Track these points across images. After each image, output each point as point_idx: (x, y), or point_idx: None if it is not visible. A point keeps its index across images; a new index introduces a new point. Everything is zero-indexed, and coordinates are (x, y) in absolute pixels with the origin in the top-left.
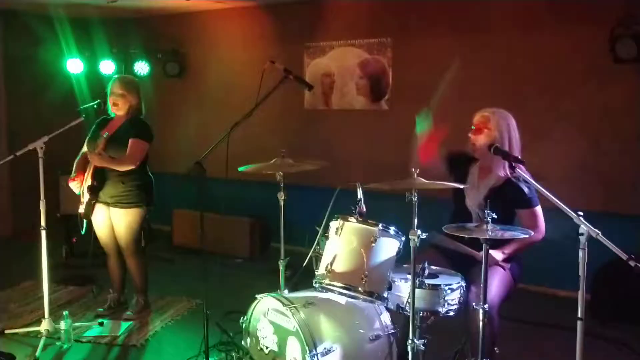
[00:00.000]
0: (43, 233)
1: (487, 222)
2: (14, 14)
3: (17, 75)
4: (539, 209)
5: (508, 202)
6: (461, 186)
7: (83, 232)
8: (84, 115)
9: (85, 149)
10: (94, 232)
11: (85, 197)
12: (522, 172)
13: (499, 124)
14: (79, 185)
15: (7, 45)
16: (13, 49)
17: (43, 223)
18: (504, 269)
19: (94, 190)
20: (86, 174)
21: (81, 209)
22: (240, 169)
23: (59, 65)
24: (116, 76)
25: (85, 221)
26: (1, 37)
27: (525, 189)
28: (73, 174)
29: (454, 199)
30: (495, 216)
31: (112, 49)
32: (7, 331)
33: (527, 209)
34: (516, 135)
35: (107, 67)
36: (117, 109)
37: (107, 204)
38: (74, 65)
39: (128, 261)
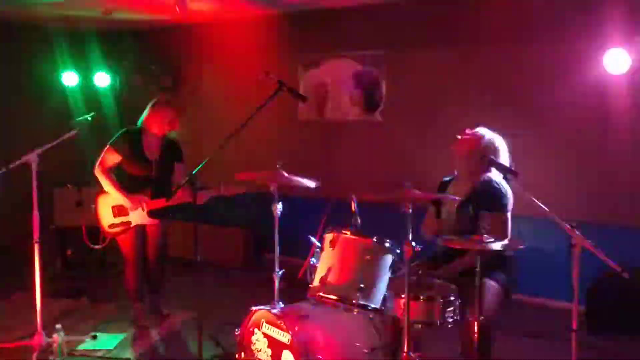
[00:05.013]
0: (36, 246)
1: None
2: (8, 27)
3: (11, 88)
4: (509, 216)
5: (479, 207)
6: (457, 198)
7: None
8: (77, 128)
9: (113, 158)
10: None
11: (139, 219)
12: (516, 184)
13: (485, 135)
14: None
15: (1, 58)
16: (8, 61)
17: (36, 236)
18: (497, 284)
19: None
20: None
21: (114, 229)
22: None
23: (53, 78)
24: (165, 100)
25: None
26: None
27: (501, 193)
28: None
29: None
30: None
31: (107, 62)
32: None
33: (498, 214)
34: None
35: (102, 79)
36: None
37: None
38: (69, 78)
39: (158, 268)
